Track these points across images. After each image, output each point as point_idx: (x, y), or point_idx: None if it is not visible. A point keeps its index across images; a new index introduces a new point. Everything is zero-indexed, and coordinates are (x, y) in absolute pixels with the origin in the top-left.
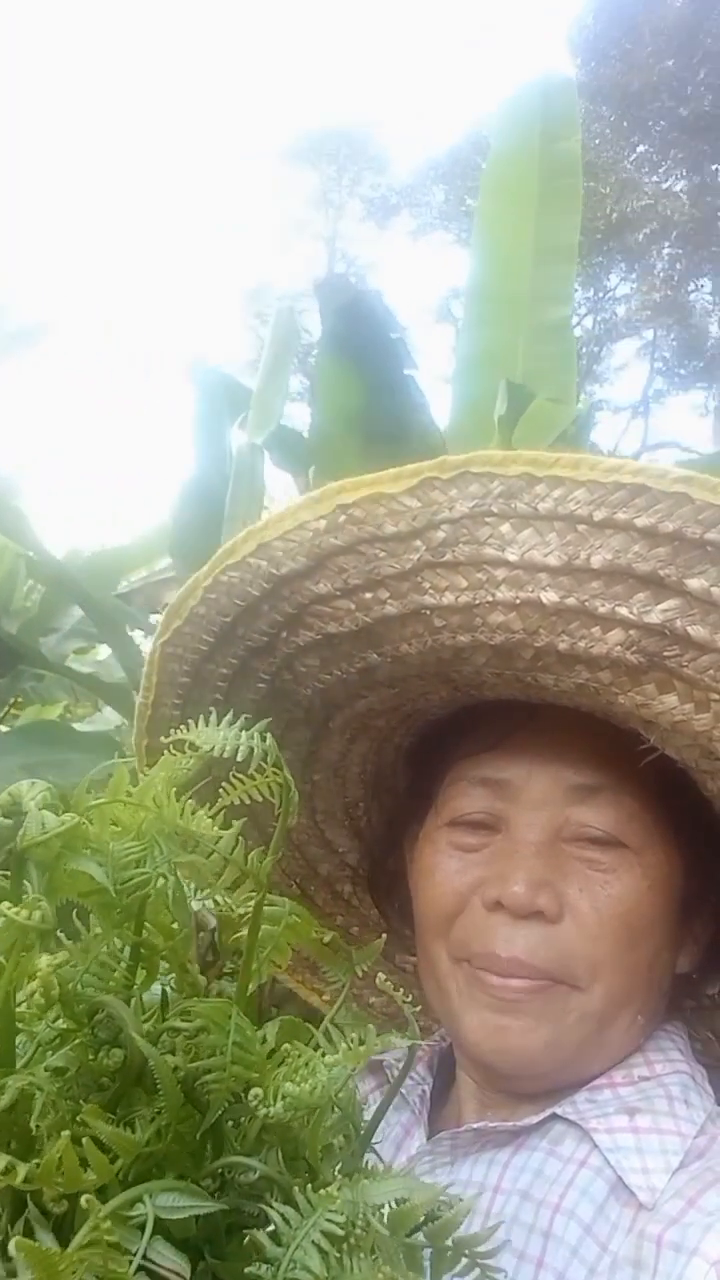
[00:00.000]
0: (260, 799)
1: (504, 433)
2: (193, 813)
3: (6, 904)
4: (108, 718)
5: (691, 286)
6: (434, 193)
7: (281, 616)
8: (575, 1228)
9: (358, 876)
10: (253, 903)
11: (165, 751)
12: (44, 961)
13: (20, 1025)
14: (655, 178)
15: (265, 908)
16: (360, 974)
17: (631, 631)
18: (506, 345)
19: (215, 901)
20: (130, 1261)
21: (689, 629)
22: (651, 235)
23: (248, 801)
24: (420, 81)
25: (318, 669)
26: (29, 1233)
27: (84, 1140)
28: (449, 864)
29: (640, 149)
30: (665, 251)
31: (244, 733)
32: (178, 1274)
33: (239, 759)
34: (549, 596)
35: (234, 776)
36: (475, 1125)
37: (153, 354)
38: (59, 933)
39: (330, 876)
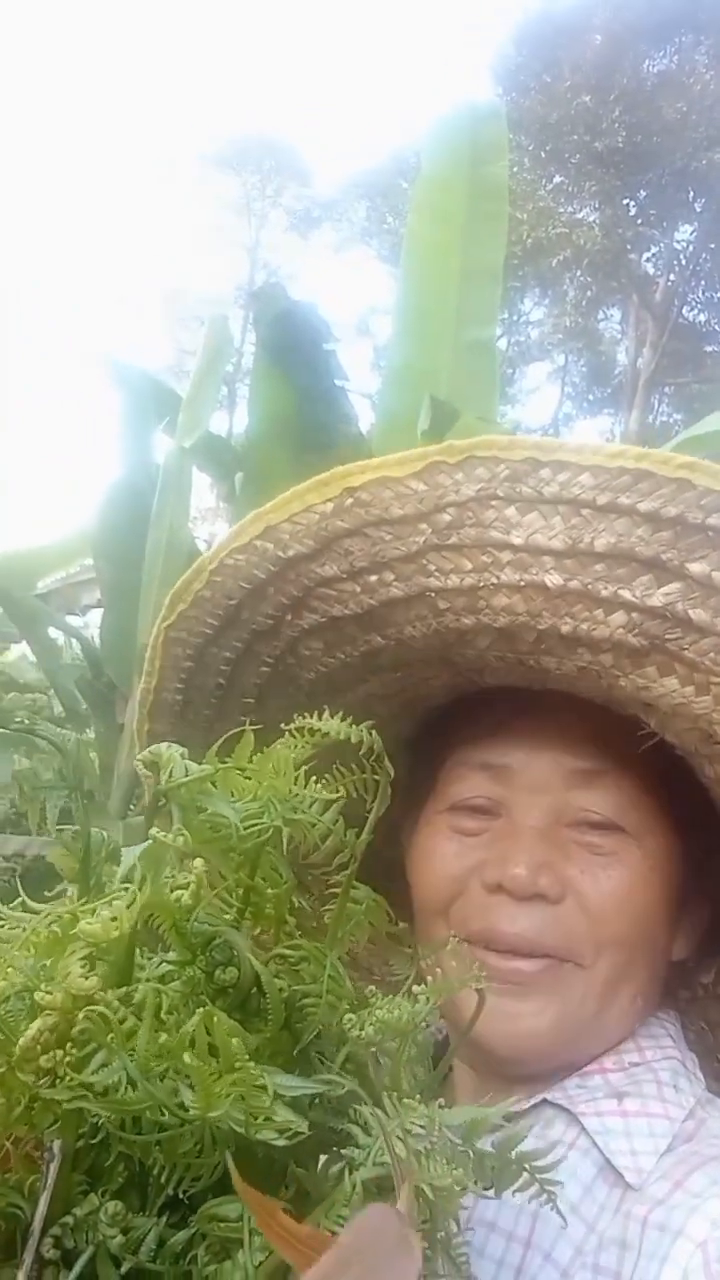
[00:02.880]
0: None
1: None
2: (304, 785)
3: (155, 828)
4: None
5: (601, 315)
6: (356, 208)
7: (287, 599)
8: (563, 1208)
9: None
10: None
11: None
12: (198, 863)
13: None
14: (570, 208)
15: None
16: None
17: (634, 614)
18: (431, 362)
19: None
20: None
21: (690, 612)
22: (564, 263)
23: (354, 795)
24: (345, 98)
25: (321, 652)
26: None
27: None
28: (448, 847)
29: (556, 179)
30: (577, 279)
31: (355, 726)
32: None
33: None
34: (553, 579)
35: (336, 768)
36: None
37: (69, 354)
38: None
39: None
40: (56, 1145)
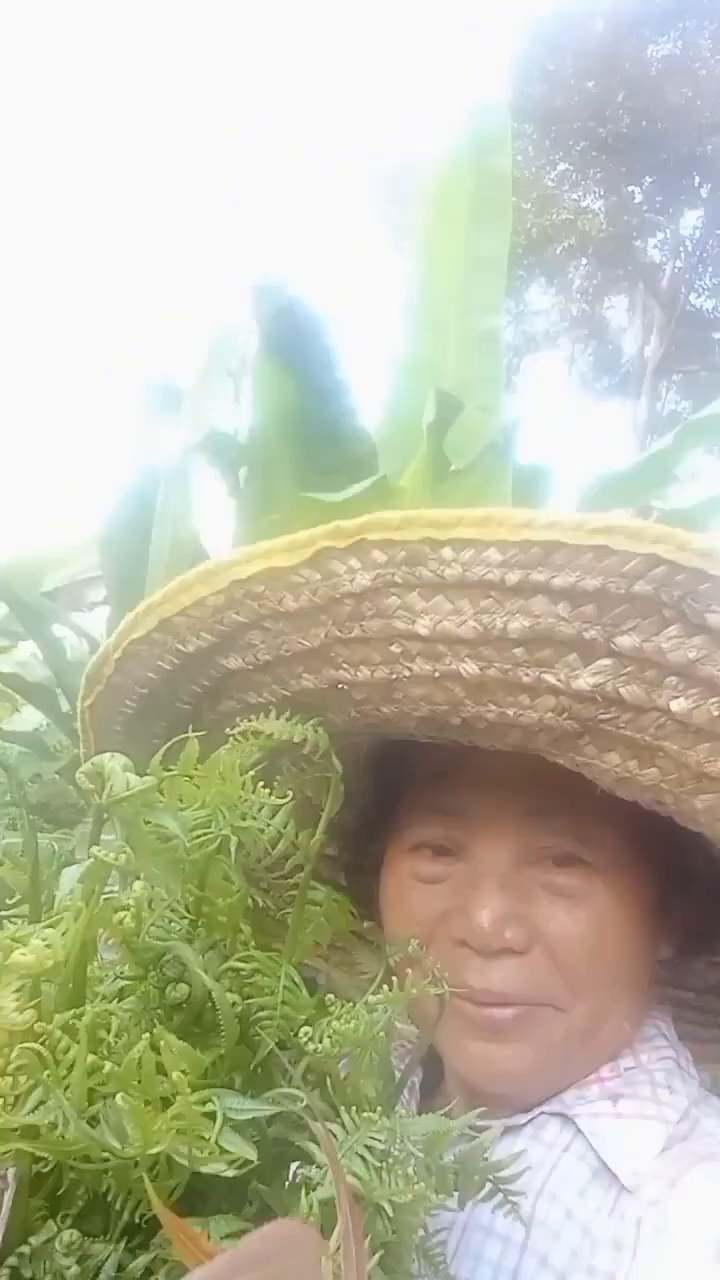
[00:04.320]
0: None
1: (433, 441)
2: (252, 790)
3: (96, 847)
4: (26, 718)
5: (607, 303)
6: (359, 200)
7: (200, 689)
8: (558, 1211)
9: (337, 866)
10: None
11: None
12: (137, 886)
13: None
14: (574, 195)
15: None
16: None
17: (561, 698)
18: (436, 354)
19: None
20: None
21: (622, 690)
22: (569, 251)
23: (308, 795)
24: (347, 90)
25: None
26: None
27: (160, 1048)
28: (412, 897)
29: (561, 166)
30: (582, 267)
31: (302, 725)
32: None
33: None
34: (468, 669)
35: (288, 768)
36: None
37: (69, 354)
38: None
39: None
40: (11, 1173)
